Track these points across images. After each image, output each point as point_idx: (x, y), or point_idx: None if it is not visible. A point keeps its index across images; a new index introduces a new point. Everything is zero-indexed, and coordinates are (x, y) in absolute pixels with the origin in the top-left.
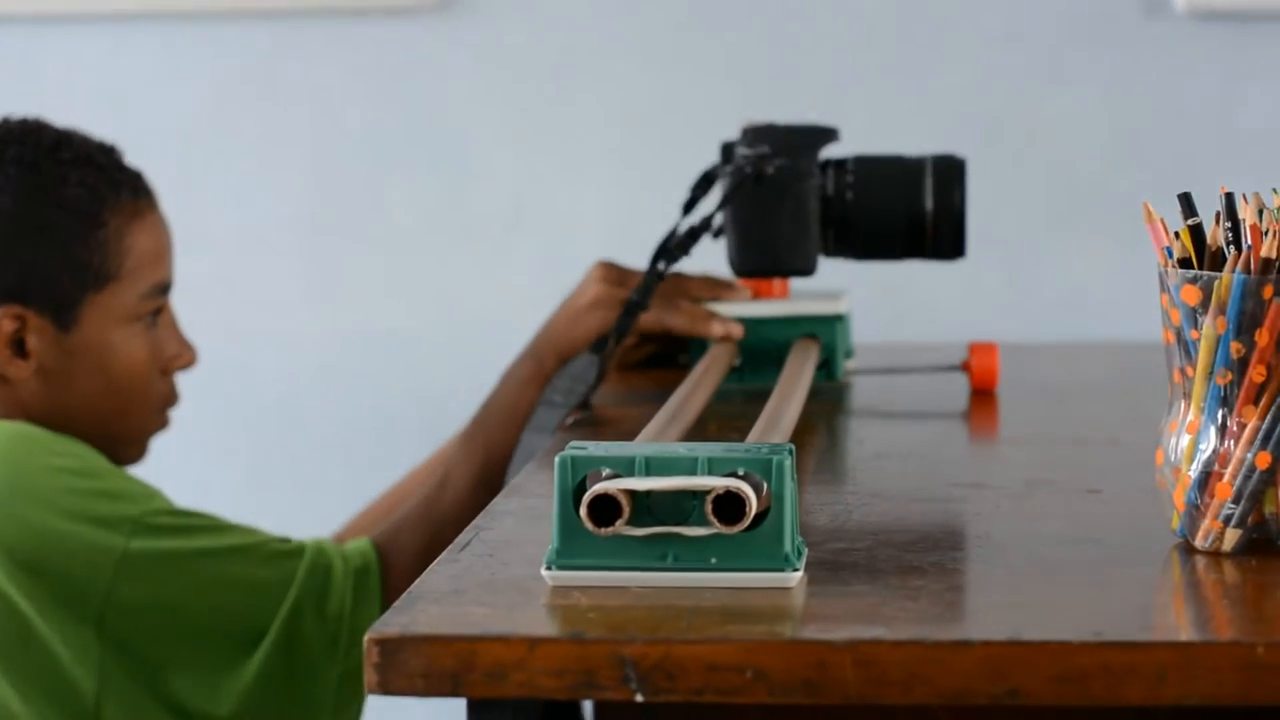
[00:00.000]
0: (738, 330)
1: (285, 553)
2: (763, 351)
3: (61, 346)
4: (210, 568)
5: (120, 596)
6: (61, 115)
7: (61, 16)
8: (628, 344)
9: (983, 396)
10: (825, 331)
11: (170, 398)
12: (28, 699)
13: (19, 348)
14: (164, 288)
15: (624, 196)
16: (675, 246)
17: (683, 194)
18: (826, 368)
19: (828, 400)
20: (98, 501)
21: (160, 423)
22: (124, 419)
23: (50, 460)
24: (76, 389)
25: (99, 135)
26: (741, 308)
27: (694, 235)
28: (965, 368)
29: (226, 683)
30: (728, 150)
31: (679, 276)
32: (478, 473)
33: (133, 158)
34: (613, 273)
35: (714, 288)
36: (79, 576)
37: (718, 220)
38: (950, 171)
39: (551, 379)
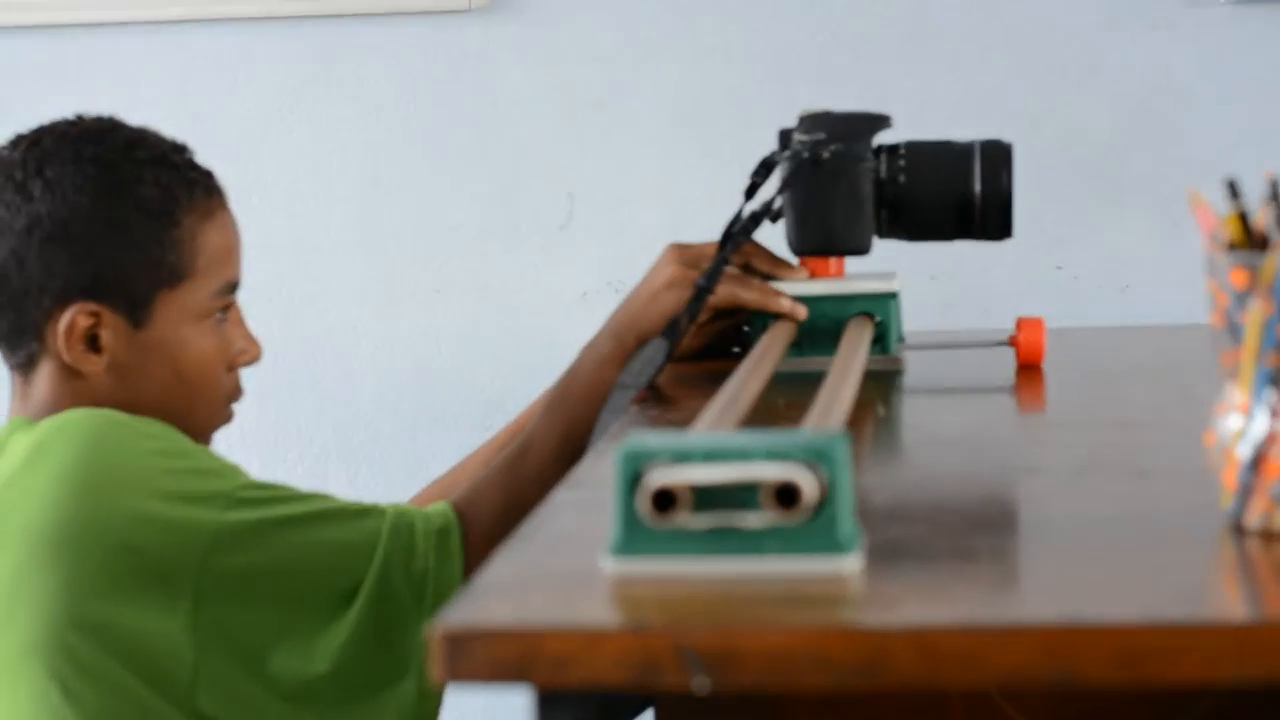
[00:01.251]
0: (802, 311)
1: (369, 514)
2: (820, 328)
3: (134, 342)
4: (301, 533)
5: (217, 569)
6: None
7: (117, 23)
8: (700, 321)
9: (1029, 371)
10: (880, 308)
11: (235, 392)
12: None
13: (92, 343)
14: (234, 285)
15: (675, 192)
16: (739, 231)
17: (733, 188)
18: (881, 343)
19: (882, 378)
20: (191, 479)
21: (225, 416)
22: (191, 413)
23: (143, 443)
24: (147, 383)
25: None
26: (800, 286)
27: (756, 219)
28: (1013, 342)
29: (321, 644)
30: (785, 137)
31: (747, 244)
32: (559, 442)
33: None
34: (686, 253)
35: (775, 264)
36: (175, 555)
37: (777, 204)
38: (998, 155)
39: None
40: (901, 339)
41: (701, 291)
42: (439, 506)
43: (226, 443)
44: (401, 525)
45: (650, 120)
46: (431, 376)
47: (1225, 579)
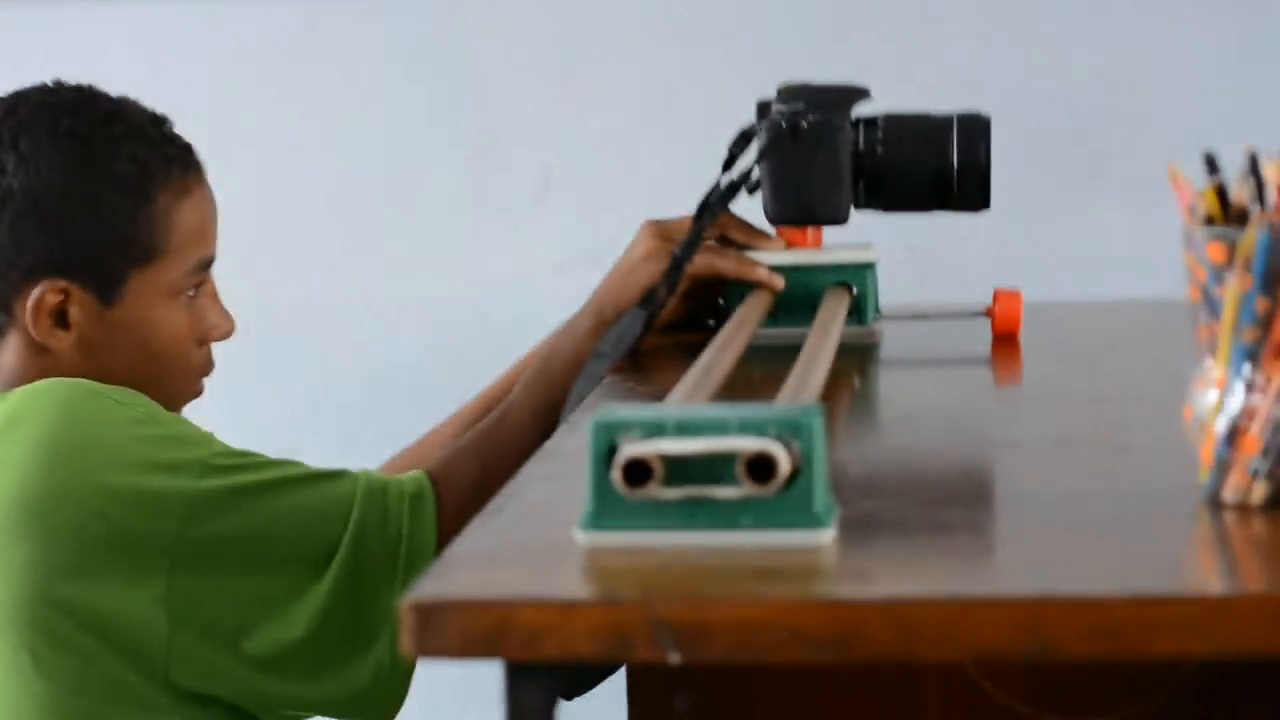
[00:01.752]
0: (779, 281)
1: (342, 478)
2: (797, 298)
3: (103, 320)
4: (275, 498)
5: (192, 538)
6: None
7: None
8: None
9: (1005, 342)
10: (856, 279)
11: (206, 366)
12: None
13: (61, 319)
14: (208, 262)
15: (651, 165)
16: (716, 201)
17: (710, 160)
18: (857, 314)
19: (857, 350)
20: (165, 447)
21: (195, 390)
22: (160, 387)
23: (116, 411)
24: (116, 359)
25: None
26: (777, 256)
27: (734, 189)
28: (989, 314)
29: (296, 609)
30: (764, 108)
31: (724, 215)
32: (538, 414)
33: None
34: (663, 228)
35: (751, 234)
36: (149, 525)
37: (755, 174)
38: (975, 128)
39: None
40: (878, 311)
41: (678, 261)
42: (414, 473)
43: (198, 416)
44: (375, 489)
45: (627, 92)
46: (404, 348)
47: (1202, 553)
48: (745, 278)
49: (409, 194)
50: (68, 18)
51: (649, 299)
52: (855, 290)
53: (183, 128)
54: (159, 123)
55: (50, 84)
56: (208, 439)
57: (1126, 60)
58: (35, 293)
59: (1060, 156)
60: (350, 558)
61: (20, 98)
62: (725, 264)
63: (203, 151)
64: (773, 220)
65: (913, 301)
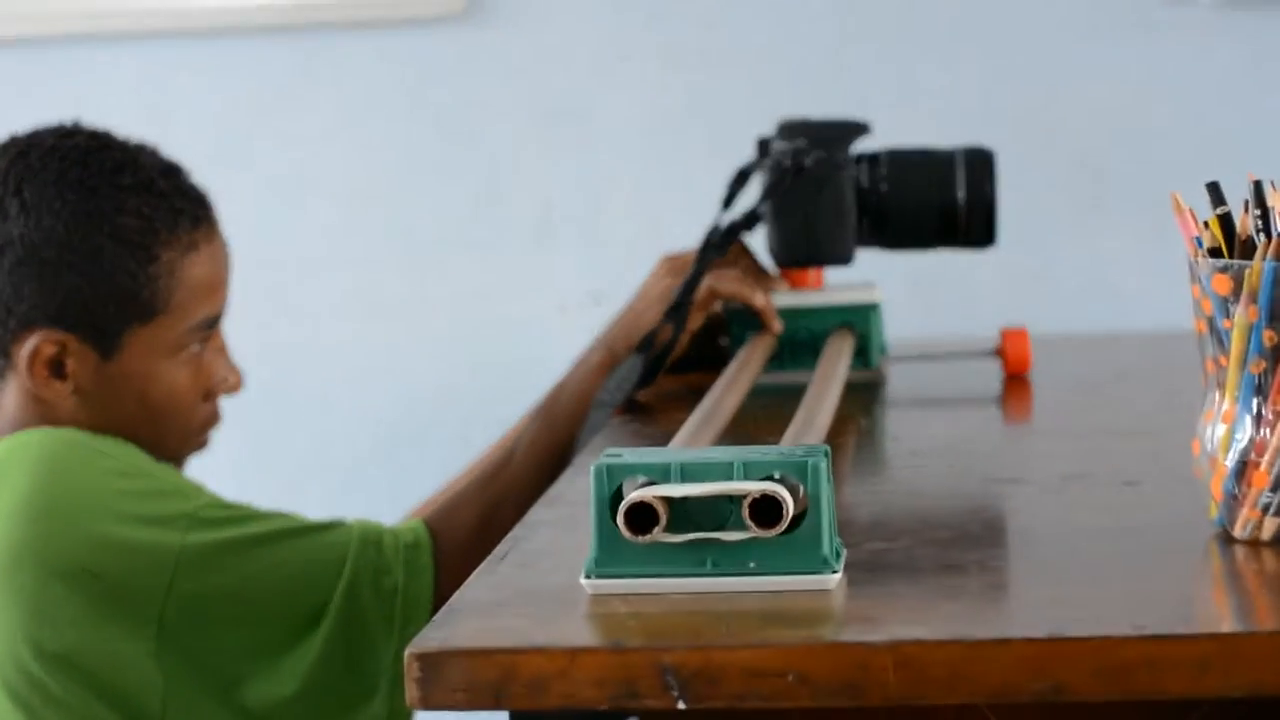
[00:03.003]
0: (778, 324)
1: (335, 530)
2: (800, 341)
3: (101, 373)
4: (266, 552)
5: (182, 592)
6: None
7: (92, 35)
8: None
9: (1016, 382)
10: (860, 320)
11: (211, 420)
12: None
13: (57, 369)
14: (213, 320)
15: (653, 201)
16: (718, 242)
17: (711, 196)
18: (862, 356)
19: (864, 391)
20: (151, 501)
21: (198, 444)
22: (160, 441)
23: (100, 463)
24: (113, 411)
25: None
26: (779, 298)
27: (736, 230)
28: (998, 353)
29: (288, 664)
30: (764, 146)
31: (737, 250)
32: (542, 455)
33: None
34: (679, 263)
35: (757, 273)
36: (138, 579)
37: (758, 213)
38: (981, 163)
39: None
40: (884, 350)
41: (678, 303)
42: (411, 522)
43: (200, 460)
44: (369, 541)
45: (627, 129)
46: (409, 391)
47: (1213, 589)
48: (742, 299)
49: (411, 234)
50: (75, 59)
51: (646, 344)
52: (859, 331)
53: (186, 168)
54: (171, 174)
55: (67, 126)
56: (196, 491)
57: (1132, 88)
58: (31, 342)
59: (1066, 186)
60: (343, 612)
61: (33, 142)
62: (725, 286)
63: (204, 192)
64: (778, 262)
65: (919, 334)
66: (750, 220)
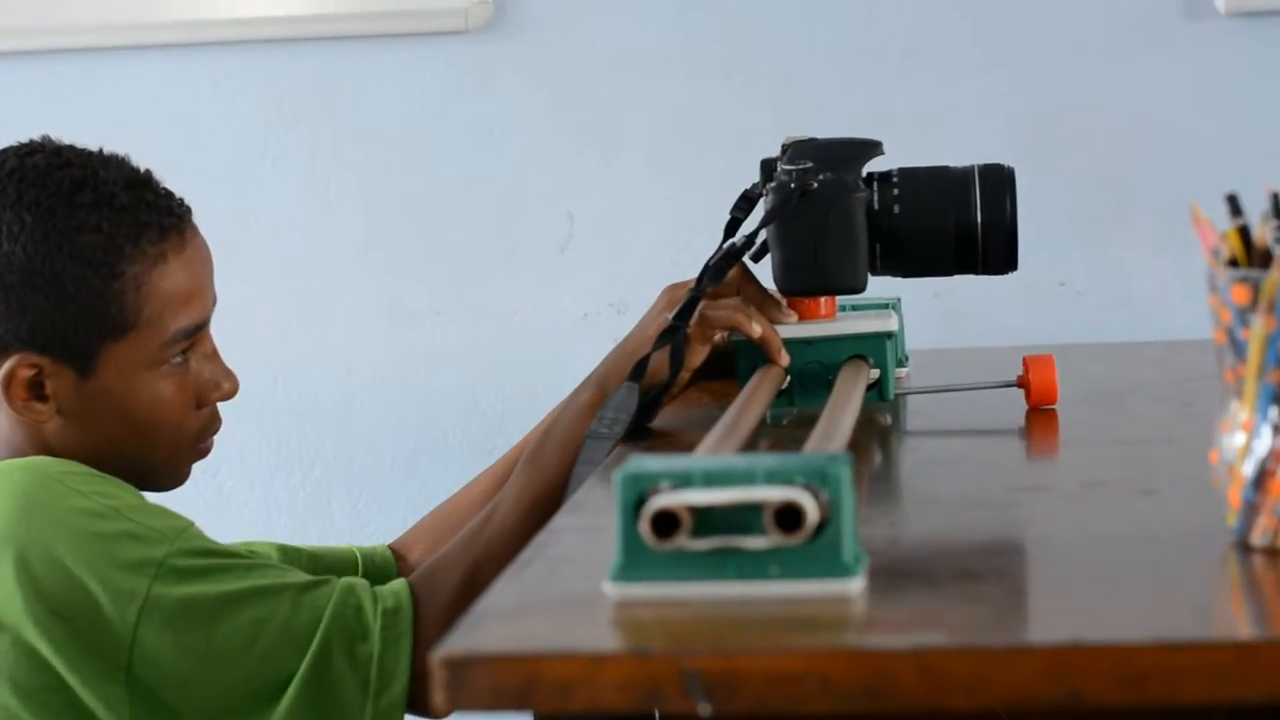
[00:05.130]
0: (784, 357)
1: (312, 594)
2: (812, 374)
3: (82, 392)
4: (234, 613)
5: (145, 643)
6: (117, 145)
7: (112, 48)
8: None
9: (1041, 413)
10: (875, 350)
11: (208, 428)
12: None
13: (38, 391)
14: (192, 330)
15: (675, 211)
16: (713, 269)
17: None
18: (878, 387)
19: (880, 419)
20: (121, 545)
21: (196, 453)
22: (152, 455)
23: (73, 502)
24: (99, 429)
25: (154, 163)
26: (787, 330)
27: (733, 256)
28: (1021, 384)
29: None
30: (768, 167)
31: (739, 277)
32: (528, 504)
33: (187, 183)
34: (679, 295)
35: (763, 301)
36: (106, 625)
37: (761, 237)
38: (999, 181)
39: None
40: (903, 363)
41: (673, 328)
42: (395, 585)
43: (228, 468)
44: (347, 606)
45: (650, 139)
46: (432, 399)
47: (1231, 597)
48: (736, 326)
49: (434, 245)
50: (96, 72)
51: (639, 371)
52: (873, 362)
53: (209, 179)
54: (136, 186)
55: (30, 144)
56: (173, 535)
57: (1150, 99)
58: (7, 366)
59: (1086, 197)
60: (311, 680)
61: None
62: (719, 316)
63: (230, 203)
64: (785, 291)
65: (939, 345)
66: (749, 243)
